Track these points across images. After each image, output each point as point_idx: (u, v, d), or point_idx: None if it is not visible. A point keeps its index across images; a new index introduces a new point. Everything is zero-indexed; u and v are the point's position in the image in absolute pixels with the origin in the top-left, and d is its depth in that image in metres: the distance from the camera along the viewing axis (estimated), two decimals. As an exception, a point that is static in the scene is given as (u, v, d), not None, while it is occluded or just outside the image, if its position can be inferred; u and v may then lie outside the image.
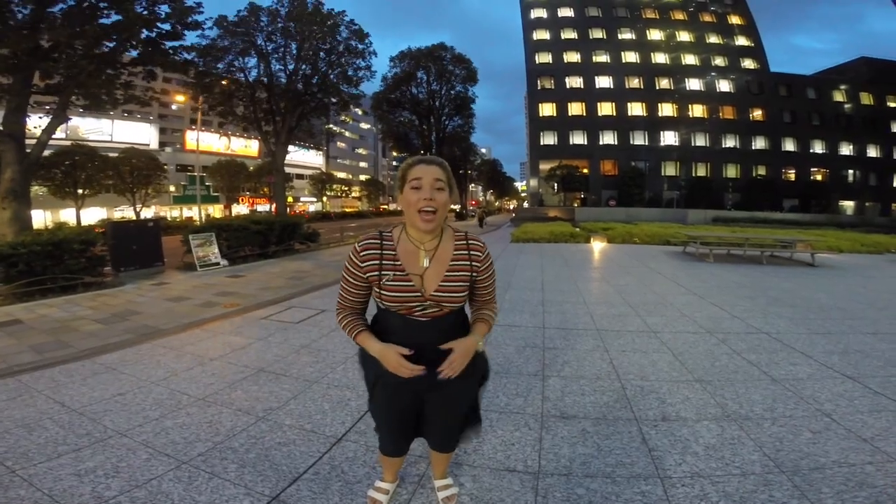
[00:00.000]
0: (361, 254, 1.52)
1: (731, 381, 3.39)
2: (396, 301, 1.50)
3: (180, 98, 23.58)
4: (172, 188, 40.24)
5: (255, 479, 2.20)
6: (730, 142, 47.42)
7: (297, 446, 2.50)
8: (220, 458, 2.37)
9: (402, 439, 1.83)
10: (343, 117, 30.13)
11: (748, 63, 49.07)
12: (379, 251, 1.52)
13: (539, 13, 51.48)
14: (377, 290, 1.53)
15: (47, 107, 11.50)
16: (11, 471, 2.25)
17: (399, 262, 1.51)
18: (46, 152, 12.74)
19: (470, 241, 1.60)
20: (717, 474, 2.22)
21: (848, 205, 46.86)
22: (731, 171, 46.74)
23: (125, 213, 34.51)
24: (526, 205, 54.82)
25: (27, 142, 9.77)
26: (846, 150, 48.11)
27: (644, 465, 2.31)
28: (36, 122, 12.04)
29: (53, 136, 10.51)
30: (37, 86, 10.36)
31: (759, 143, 47.44)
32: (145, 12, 10.88)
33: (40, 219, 28.60)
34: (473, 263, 1.58)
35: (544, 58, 50.06)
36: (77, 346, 4.32)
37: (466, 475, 2.23)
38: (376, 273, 1.51)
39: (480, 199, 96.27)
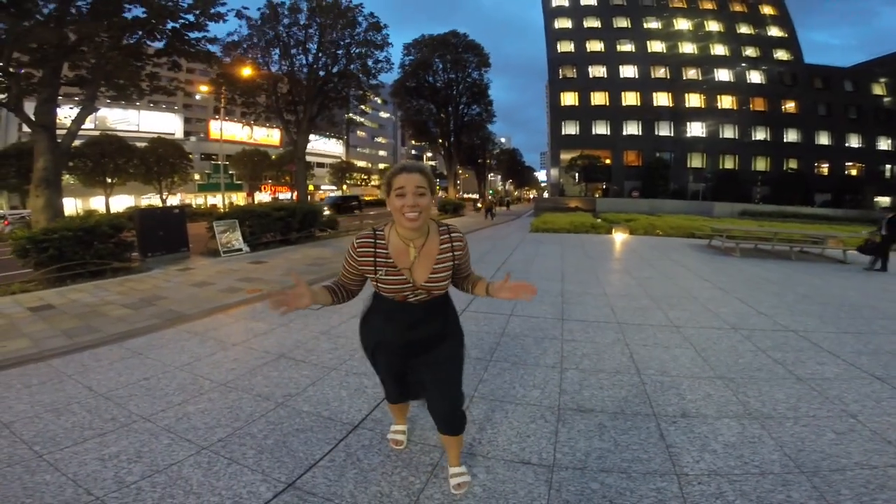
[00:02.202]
0: (358, 250, 1.75)
1: (755, 379, 3.30)
2: (392, 291, 1.76)
3: (204, 88, 24.00)
4: (197, 176, 40.96)
5: (272, 465, 2.24)
6: (760, 134, 45.87)
7: (315, 433, 2.54)
8: (239, 444, 2.43)
9: (398, 392, 2.11)
10: (363, 107, 30.22)
11: (781, 54, 47.18)
12: (373, 248, 1.75)
13: (561, 1, 50.35)
14: (374, 281, 1.78)
15: (77, 98, 11.80)
16: (39, 455, 2.33)
17: (391, 259, 1.74)
18: (77, 142, 13.08)
19: (452, 234, 1.83)
20: (735, 473, 2.17)
21: (884, 200, 44.72)
22: (761, 164, 45.26)
23: (152, 200, 35.38)
24: (546, 195, 54.05)
25: (58, 132, 10.06)
26: (884, 144, 45.92)
27: (661, 461, 2.28)
28: (66, 113, 12.38)
29: (83, 127, 10.79)
30: (66, 76, 10.61)
31: (791, 136, 45.79)
32: (169, 3, 11.01)
33: (71, 206, 29.53)
34: (455, 253, 1.82)
35: (566, 46, 49.06)
36: (106, 331, 4.46)
37: (480, 466, 2.24)
38: (371, 268, 1.75)
39: (499, 188, 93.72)
